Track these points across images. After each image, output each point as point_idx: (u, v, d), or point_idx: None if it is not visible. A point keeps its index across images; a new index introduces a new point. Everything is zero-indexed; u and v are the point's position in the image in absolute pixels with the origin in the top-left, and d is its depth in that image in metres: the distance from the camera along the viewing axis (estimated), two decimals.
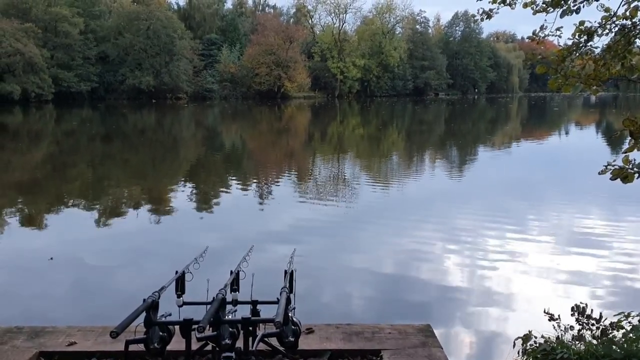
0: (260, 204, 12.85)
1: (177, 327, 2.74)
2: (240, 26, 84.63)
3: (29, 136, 29.83)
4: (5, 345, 3.74)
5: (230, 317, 2.81)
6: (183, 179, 16.73)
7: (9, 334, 3.89)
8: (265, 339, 2.86)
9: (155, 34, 66.88)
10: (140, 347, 2.63)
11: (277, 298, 2.78)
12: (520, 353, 4.55)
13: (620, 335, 4.61)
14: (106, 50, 66.30)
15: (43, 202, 12.70)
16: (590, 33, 4.26)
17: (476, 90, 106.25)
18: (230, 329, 2.66)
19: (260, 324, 2.89)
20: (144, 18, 66.92)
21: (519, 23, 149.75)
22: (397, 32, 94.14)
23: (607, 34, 4.34)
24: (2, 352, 3.64)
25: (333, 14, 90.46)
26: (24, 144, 25.98)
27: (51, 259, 7.93)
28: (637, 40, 4.25)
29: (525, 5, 4.55)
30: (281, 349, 2.87)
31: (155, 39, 66.95)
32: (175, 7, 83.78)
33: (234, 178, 16.95)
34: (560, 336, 4.80)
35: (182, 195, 13.75)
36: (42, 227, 10.32)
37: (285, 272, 3.08)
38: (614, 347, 4.08)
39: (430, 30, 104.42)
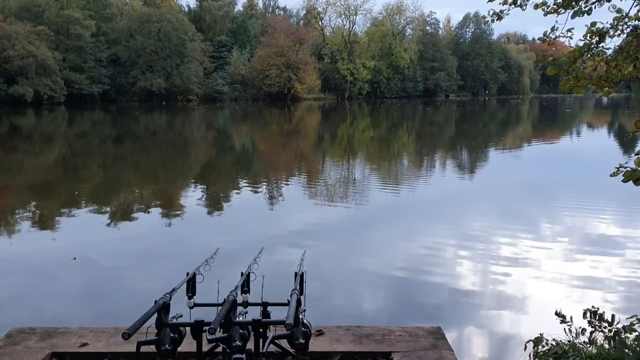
0: (271, 205, 12.86)
1: (188, 329, 2.76)
2: (250, 28, 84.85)
3: (42, 138, 30.07)
4: (18, 345, 3.77)
5: (240, 318, 2.82)
6: (194, 181, 16.79)
7: (22, 335, 3.93)
8: (276, 341, 2.87)
9: (166, 36, 67.26)
10: (152, 348, 2.64)
11: (288, 300, 2.78)
12: (532, 356, 4.53)
13: (633, 338, 4.58)
14: (117, 53, 66.76)
15: (55, 204, 12.79)
16: (601, 34, 4.24)
17: (487, 91, 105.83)
18: (241, 331, 2.66)
19: (271, 326, 2.90)
20: (155, 20, 67.29)
21: (530, 24, 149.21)
22: (408, 34, 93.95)
23: (619, 35, 4.33)
24: (15, 353, 3.68)
25: (343, 16, 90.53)
26: (36, 145, 26.19)
27: (74, 258, 7.99)
28: None
29: (536, 7, 4.53)
30: (291, 350, 2.87)
31: (166, 41, 67.33)
32: (186, 9, 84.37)
33: (244, 180, 16.99)
34: (572, 339, 4.77)
35: (193, 197, 13.80)
36: (54, 228, 10.39)
37: (296, 274, 3.09)
38: (626, 350, 4.05)
39: (440, 32, 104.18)
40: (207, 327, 2.49)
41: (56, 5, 62.14)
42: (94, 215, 11.49)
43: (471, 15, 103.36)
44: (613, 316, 5.75)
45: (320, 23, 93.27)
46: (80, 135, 32.17)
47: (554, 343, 4.48)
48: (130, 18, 69.15)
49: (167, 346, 2.63)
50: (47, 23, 59.79)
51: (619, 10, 4.21)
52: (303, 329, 2.76)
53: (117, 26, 68.82)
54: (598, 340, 4.81)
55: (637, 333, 4.66)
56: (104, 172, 18.66)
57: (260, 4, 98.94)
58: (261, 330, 2.79)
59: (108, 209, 12.34)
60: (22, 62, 55.02)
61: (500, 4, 4.72)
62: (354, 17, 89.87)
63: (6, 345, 3.77)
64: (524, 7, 4.67)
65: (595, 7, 4.27)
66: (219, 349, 2.82)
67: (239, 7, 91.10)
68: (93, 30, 63.29)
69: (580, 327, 5.28)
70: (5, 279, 7.41)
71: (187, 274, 2.92)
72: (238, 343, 2.62)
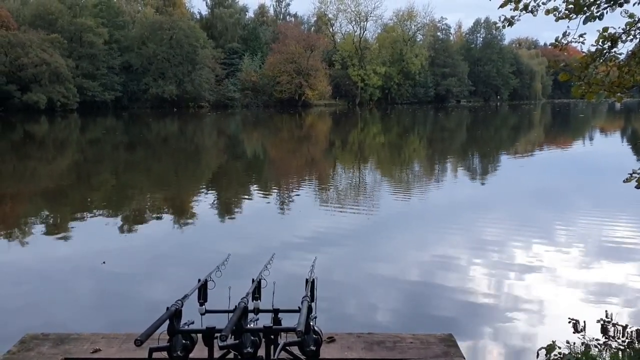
0: (282, 211, 12.88)
1: (199, 335, 2.76)
2: (261, 35, 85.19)
3: (55, 145, 30.32)
4: (31, 351, 3.80)
5: (252, 325, 2.83)
6: (205, 187, 16.85)
7: (35, 341, 3.96)
8: (287, 348, 2.87)
9: (178, 44, 67.75)
10: (164, 354, 2.65)
11: (299, 307, 2.79)
12: None
13: None
14: (130, 60, 67.29)
15: (68, 210, 12.88)
16: (614, 39, 4.21)
17: (498, 97, 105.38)
18: (252, 338, 2.67)
19: (282, 333, 2.90)
20: (167, 28, 67.82)
21: (541, 29, 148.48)
22: (418, 40, 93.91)
23: (631, 40, 4.30)
24: (28, 359, 3.71)
25: (354, 22, 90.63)
26: (50, 152, 26.41)
27: (103, 262, 8.05)
28: None
29: (548, 12, 4.52)
30: (302, 357, 2.87)
31: (178, 48, 67.83)
32: (198, 16, 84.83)
33: (255, 186, 17.02)
34: (585, 347, 4.72)
35: (204, 203, 13.84)
36: (67, 235, 10.44)
37: (307, 280, 3.09)
38: None
39: (451, 37, 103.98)
40: (218, 334, 2.50)
41: (69, 13, 62.84)
42: (107, 222, 11.56)
43: (482, 21, 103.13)
44: (627, 325, 5.69)
45: (331, 29, 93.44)
46: (94, 141, 32.41)
47: (566, 351, 4.44)
48: (143, 25, 69.73)
49: (178, 353, 2.64)
50: (61, 31, 60.48)
51: (631, 16, 4.19)
52: (314, 335, 2.76)
53: (130, 34, 69.42)
54: (611, 349, 4.76)
55: None
56: (117, 179, 18.77)
57: (272, 11, 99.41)
58: (272, 337, 2.79)
59: (120, 215, 12.40)
60: (35, 69, 55.63)
61: (511, 9, 4.71)
62: (365, 23, 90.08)
63: (19, 351, 3.80)
64: (535, 12, 4.65)
65: (607, 13, 4.24)
66: (230, 356, 2.83)
67: (250, 14, 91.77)
68: (106, 38, 63.87)
69: (593, 335, 5.23)
70: (19, 286, 7.47)
71: (199, 280, 2.94)
72: (249, 350, 2.62)
